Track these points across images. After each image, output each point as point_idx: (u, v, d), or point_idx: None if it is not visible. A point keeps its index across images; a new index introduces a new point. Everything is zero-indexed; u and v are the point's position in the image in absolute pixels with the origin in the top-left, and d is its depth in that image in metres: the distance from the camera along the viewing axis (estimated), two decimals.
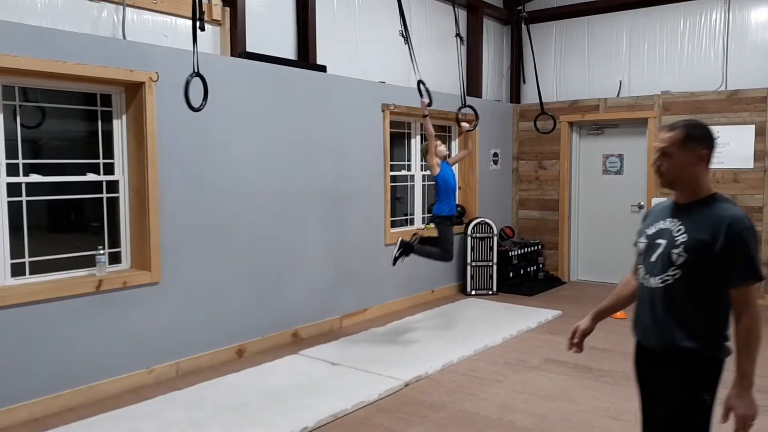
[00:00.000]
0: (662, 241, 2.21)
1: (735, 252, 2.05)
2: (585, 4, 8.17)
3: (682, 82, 7.52)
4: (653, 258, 2.23)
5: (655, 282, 2.22)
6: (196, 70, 3.83)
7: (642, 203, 7.77)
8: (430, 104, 5.27)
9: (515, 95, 8.87)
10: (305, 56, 5.83)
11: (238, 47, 5.18)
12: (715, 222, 2.09)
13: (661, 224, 2.25)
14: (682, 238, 2.15)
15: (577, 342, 2.58)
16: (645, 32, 7.83)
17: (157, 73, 4.41)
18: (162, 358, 4.56)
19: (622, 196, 7.96)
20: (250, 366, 4.80)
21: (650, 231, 2.29)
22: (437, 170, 5.32)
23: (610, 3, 7.99)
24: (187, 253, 4.70)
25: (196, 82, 3.85)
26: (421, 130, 7.40)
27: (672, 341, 2.17)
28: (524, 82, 7.50)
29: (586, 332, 2.57)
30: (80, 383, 4.11)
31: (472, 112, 6.02)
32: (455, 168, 5.98)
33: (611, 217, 8.08)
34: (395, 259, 5.34)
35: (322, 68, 5.87)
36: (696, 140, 2.18)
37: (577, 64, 8.41)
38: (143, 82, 4.37)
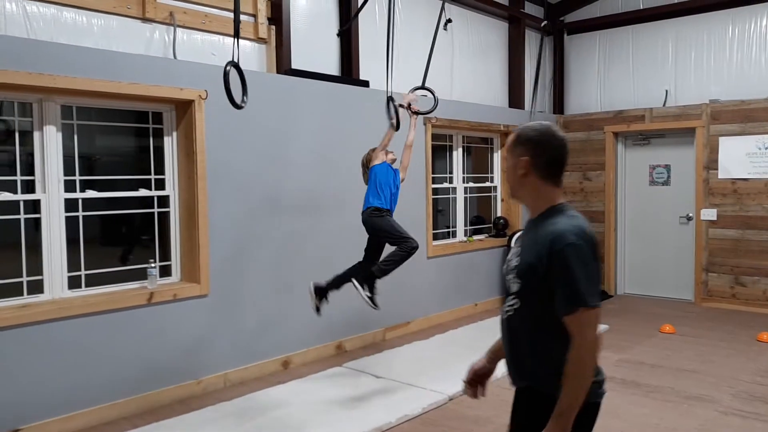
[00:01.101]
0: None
1: (556, 274, 1.75)
2: (629, 13, 8.07)
3: (732, 90, 7.34)
4: (506, 286, 1.97)
5: (503, 313, 1.96)
6: (234, 60, 3.80)
7: (690, 215, 7.58)
8: (397, 128, 4.75)
9: (558, 106, 8.79)
10: (348, 72, 5.93)
11: (283, 64, 5.30)
12: (541, 240, 1.80)
13: (514, 247, 2.01)
14: (515, 262, 1.89)
15: (470, 380, 2.16)
16: (692, 40, 7.68)
17: (206, 90, 4.54)
18: (210, 369, 4.66)
19: (670, 207, 7.79)
20: (296, 378, 4.87)
21: (509, 255, 2.02)
22: (376, 162, 4.55)
23: (654, 12, 7.86)
24: (235, 266, 4.80)
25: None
26: (463, 143, 7.41)
27: (529, 381, 1.87)
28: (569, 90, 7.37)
29: (481, 372, 2.18)
30: (133, 393, 4.23)
31: (431, 95, 5.32)
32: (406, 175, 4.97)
33: (659, 229, 7.90)
34: (370, 299, 4.56)
35: (365, 83, 5.95)
36: (521, 144, 1.87)
37: (622, 73, 8.29)
38: (193, 100, 4.51)
